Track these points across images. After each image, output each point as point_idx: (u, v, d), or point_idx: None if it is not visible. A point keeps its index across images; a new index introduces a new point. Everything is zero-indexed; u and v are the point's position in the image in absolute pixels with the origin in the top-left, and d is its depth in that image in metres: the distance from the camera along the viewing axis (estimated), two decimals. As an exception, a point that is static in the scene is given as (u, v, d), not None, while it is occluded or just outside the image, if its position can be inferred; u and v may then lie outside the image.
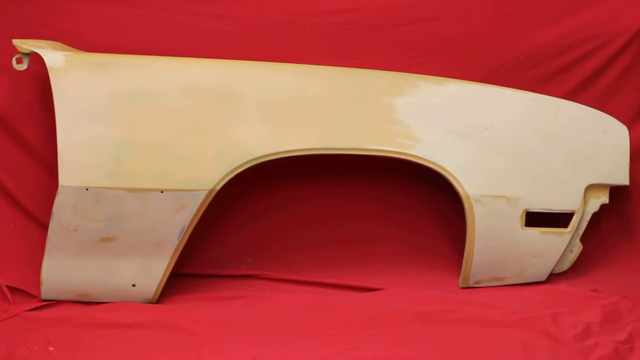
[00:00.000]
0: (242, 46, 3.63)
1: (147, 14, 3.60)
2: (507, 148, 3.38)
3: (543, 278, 3.53)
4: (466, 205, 3.36)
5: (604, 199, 3.50)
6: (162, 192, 3.15)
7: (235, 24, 3.64)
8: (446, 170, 3.34)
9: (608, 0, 3.75)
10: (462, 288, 3.51)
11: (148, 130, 3.16)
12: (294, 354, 2.89)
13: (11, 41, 3.21)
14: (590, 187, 3.47)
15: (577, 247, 3.54)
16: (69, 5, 3.57)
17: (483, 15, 3.73)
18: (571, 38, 3.74)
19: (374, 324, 3.09)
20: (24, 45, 3.19)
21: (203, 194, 3.18)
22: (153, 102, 3.17)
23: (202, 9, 3.63)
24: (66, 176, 3.10)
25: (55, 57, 3.14)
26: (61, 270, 3.21)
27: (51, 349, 2.90)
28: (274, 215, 3.73)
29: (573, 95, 3.71)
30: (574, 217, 3.45)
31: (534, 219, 3.44)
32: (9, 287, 3.30)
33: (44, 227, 3.35)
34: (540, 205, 3.41)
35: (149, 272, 3.25)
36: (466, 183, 3.35)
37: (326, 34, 3.67)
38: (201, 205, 3.19)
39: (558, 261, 3.51)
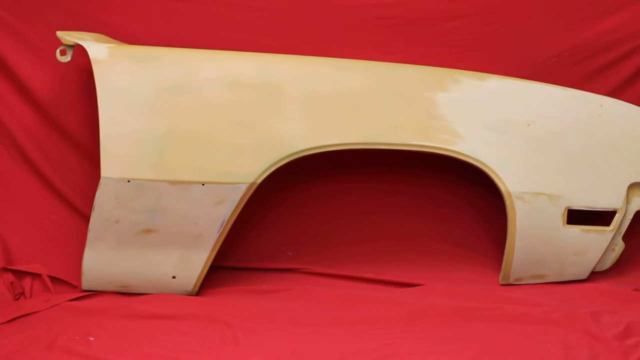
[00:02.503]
0: (284, 40, 3.63)
1: (190, 7, 3.61)
2: (549, 145, 3.36)
3: (584, 276, 3.51)
4: (507, 202, 3.35)
5: (647, 197, 3.48)
6: (203, 184, 3.17)
7: (277, 17, 3.64)
8: (487, 167, 3.33)
9: (654, -3, 3.73)
10: (502, 285, 3.50)
11: (190, 123, 3.17)
12: (332, 347, 2.89)
13: (55, 33, 3.24)
14: (633, 186, 3.44)
15: (619, 246, 3.51)
16: (112, -2, 3.60)
17: (526, 11, 3.71)
18: (616, 35, 3.70)
19: (413, 319, 3.09)
20: (68, 37, 3.21)
21: (244, 187, 3.19)
22: (195, 95, 3.18)
23: (244, 2, 3.64)
24: (108, 168, 3.13)
25: (98, 49, 3.16)
26: (102, 262, 3.24)
27: (91, 339, 2.92)
28: (314, 210, 3.74)
29: (617, 92, 3.67)
30: (617, 216, 3.43)
31: (576, 217, 3.41)
32: (51, 277, 3.34)
33: (85, 218, 3.38)
34: (582, 203, 3.39)
35: (189, 264, 3.27)
36: (507, 180, 3.33)
37: (368, 28, 3.66)
38: (242, 198, 3.20)
39: (599, 260, 3.49)
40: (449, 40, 3.70)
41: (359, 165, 3.72)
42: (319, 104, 3.25)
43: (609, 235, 3.45)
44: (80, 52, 3.23)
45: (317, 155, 3.26)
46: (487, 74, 3.43)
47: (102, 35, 3.42)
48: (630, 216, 3.47)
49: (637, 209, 3.47)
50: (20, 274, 3.35)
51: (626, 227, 3.49)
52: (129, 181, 3.13)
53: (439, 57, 3.66)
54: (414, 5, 3.69)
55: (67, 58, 3.22)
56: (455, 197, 3.80)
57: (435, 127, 3.30)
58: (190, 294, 3.32)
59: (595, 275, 3.53)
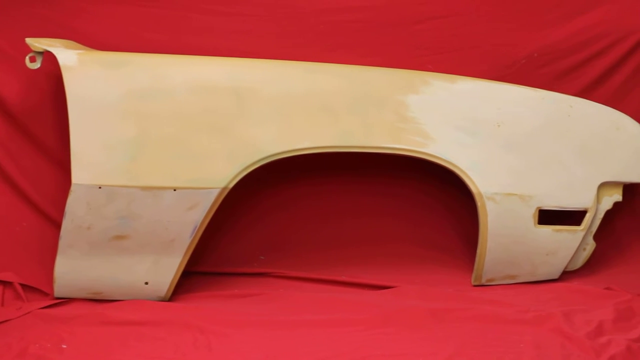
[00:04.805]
0: (255, 44, 3.63)
1: (160, 12, 3.61)
2: (520, 146, 3.38)
3: (556, 276, 3.52)
4: (479, 203, 3.36)
5: (617, 196, 3.49)
6: (174, 190, 3.16)
7: (248, 22, 3.65)
8: (459, 168, 3.34)
9: (621, -2, 3.76)
10: (475, 286, 3.51)
11: (161, 129, 3.16)
12: (306, 351, 2.89)
13: (24, 40, 3.22)
14: (604, 185, 3.46)
15: (590, 245, 3.53)
16: (82, 4, 3.58)
17: (496, 13, 3.73)
18: (584, 36, 3.73)
19: (387, 321, 3.09)
20: (37, 43, 3.20)
21: (216, 192, 3.18)
22: (166, 100, 3.17)
23: (216, 7, 3.64)
24: (79, 174, 3.11)
25: (68, 56, 3.15)
26: (74, 269, 3.22)
27: (64, 346, 2.91)
28: (287, 213, 3.74)
29: (586, 92, 3.70)
30: (587, 215, 3.45)
31: (547, 217, 3.43)
32: (22, 285, 3.31)
33: (57, 225, 3.36)
34: (553, 203, 3.41)
35: (162, 270, 3.26)
36: (479, 181, 3.34)
37: (339, 32, 3.67)
38: (214, 203, 3.19)
39: (571, 259, 3.50)
40: (420, 42, 3.72)
41: (331, 167, 3.72)
42: (291, 108, 3.25)
43: (580, 235, 3.47)
44: (49, 59, 3.22)
45: (289, 158, 3.26)
46: (457, 75, 3.44)
47: (72, 42, 3.41)
48: (600, 215, 3.49)
49: (607, 208, 3.49)
50: (-9, 283, 3.34)
51: (597, 226, 3.51)
52: (100, 187, 3.12)
53: (410, 59, 3.67)
54: (384, 9, 3.70)
55: (36, 65, 3.21)
56: (428, 198, 3.81)
57: (406, 129, 3.30)
58: (163, 300, 3.31)
59: (567, 274, 3.55)
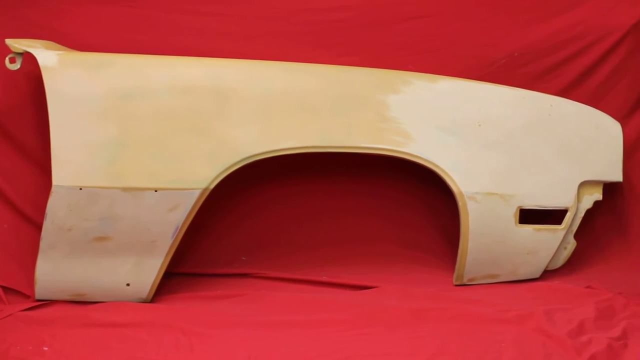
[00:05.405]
0: (235, 44, 3.63)
1: (140, 12, 3.60)
2: (501, 145, 3.39)
3: (537, 275, 3.53)
4: (460, 203, 3.36)
5: (598, 195, 3.51)
6: (155, 191, 3.15)
7: (228, 22, 3.64)
8: (440, 168, 3.35)
9: (600, -2, 3.77)
10: (456, 285, 3.51)
11: (142, 130, 3.16)
12: (288, 352, 2.88)
13: (4, 41, 3.21)
14: (584, 184, 3.47)
15: (571, 244, 3.55)
16: (62, 5, 3.56)
17: (476, 13, 3.73)
18: (564, 35, 3.74)
19: (368, 321, 3.09)
20: (17, 44, 3.18)
21: (197, 193, 3.18)
22: (146, 101, 3.16)
23: (195, 7, 3.64)
24: (60, 176, 3.10)
25: (48, 57, 3.13)
26: (55, 270, 3.21)
27: (45, 349, 2.90)
28: (268, 214, 3.73)
29: (566, 92, 3.71)
30: (568, 214, 3.46)
31: (528, 216, 3.44)
32: (3, 287, 3.30)
33: (37, 227, 3.34)
34: (534, 202, 3.42)
35: (143, 271, 3.25)
36: (459, 181, 3.35)
37: (319, 32, 3.67)
38: (195, 204, 3.19)
39: (552, 258, 3.52)
40: (400, 42, 3.72)
41: (313, 167, 3.72)
42: (272, 108, 3.25)
43: (561, 234, 3.48)
44: (29, 60, 3.21)
45: (270, 158, 3.25)
46: (438, 75, 3.44)
47: (52, 43, 3.39)
48: (581, 214, 3.51)
49: (588, 207, 3.51)
50: (-28, 285, 3.32)
51: (577, 225, 3.52)
52: (81, 189, 3.11)
53: (391, 59, 3.67)
54: (364, 9, 3.71)
55: (16, 66, 3.19)
56: (409, 198, 3.80)
57: (387, 129, 3.31)
58: (144, 301, 3.30)
59: (547, 273, 3.56)
